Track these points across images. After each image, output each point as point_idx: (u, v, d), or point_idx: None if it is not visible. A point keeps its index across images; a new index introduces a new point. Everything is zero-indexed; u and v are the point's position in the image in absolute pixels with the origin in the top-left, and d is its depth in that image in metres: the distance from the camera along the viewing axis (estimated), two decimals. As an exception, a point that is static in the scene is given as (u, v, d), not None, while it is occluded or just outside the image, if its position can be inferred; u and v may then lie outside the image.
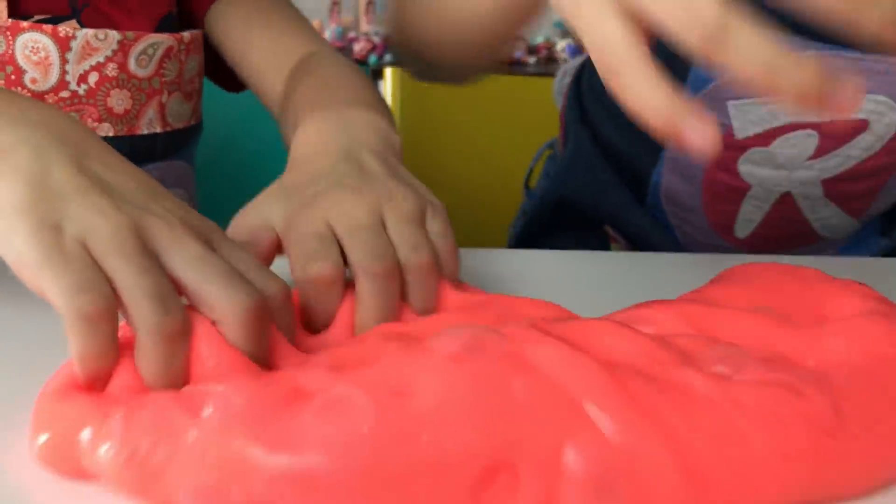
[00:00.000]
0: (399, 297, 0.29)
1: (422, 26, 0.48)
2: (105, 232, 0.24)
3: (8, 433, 0.25)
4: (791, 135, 0.49)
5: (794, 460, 0.21)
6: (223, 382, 0.23)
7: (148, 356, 0.23)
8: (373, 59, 1.62)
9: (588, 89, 0.59)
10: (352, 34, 1.91)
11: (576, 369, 0.22)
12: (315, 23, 1.99)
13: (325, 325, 0.29)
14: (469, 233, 0.69)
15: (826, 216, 0.53)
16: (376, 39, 1.73)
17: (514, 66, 1.53)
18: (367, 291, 0.28)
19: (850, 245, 0.56)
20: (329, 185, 0.31)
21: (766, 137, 0.50)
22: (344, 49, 1.78)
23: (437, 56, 0.49)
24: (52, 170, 0.25)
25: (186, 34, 0.53)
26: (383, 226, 0.30)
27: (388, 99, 0.80)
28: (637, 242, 0.57)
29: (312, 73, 0.49)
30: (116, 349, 0.24)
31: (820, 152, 0.50)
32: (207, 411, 0.22)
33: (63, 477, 0.23)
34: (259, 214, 0.31)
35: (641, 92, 0.22)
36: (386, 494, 0.21)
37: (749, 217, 0.53)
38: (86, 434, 0.22)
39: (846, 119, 0.49)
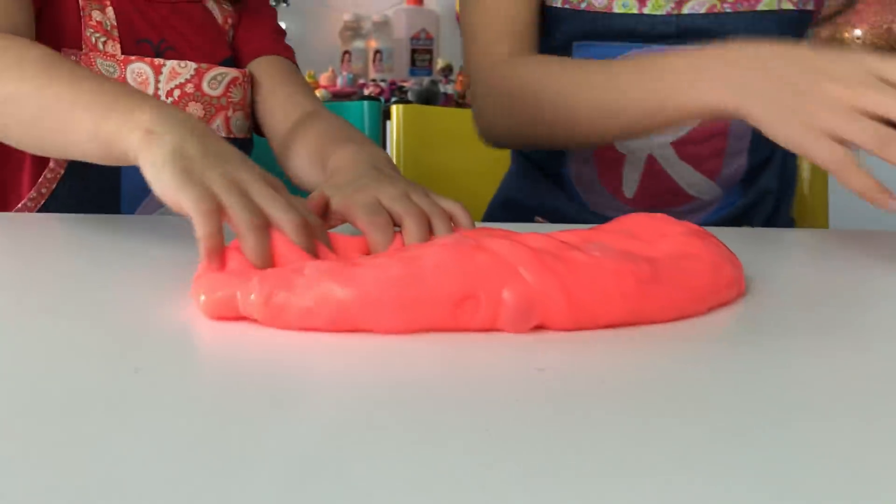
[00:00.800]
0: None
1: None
2: (215, 176, 0.42)
3: (179, 300, 0.42)
4: None
5: (626, 296, 0.38)
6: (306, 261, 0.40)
7: (248, 243, 0.41)
8: (382, 100, 1.84)
9: None
10: (361, 80, 2.12)
11: (514, 250, 0.39)
12: (329, 70, 2.20)
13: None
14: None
15: (685, 174, 0.72)
16: (383, 85, 1.94)
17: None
18: (410, 224, 0.46)
19: (722, 206, 0.75)
20: (369, 180, 0.50)
21: None
22: (356, 92, 1.98)
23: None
24: (186, 144, 0.43)
25: (246, 69, 0.77)
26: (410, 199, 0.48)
27: (395, 132, 0.98)
28: (559, 216, 0.78)
29: (318, 122, 0.69)
30: (222, 234, 0.41)
31: None
32: (307, 271, 0.39)
33: (221, 321, 0.40)
34: (322, 196, 0.49)
35: (863, 182, 0.43)
36: (407, 313, 0.37)
37: (631, 178, 0.73)
38: (239, 291, 0.40)
39: None
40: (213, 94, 0.73)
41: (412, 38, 2.25)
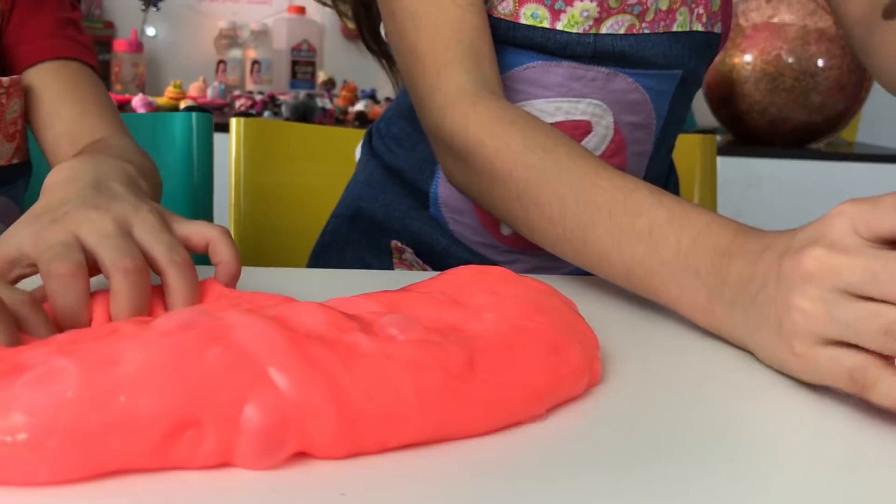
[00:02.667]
0: (158, 295, 0.33)
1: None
2: None
3: None
4: None
5: (430, 399, 0.26)
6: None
7: None
8: (251, 113, 1.68)
9: (381, 134, 0.68)
10: (237, 92, 1.95)
11: (264, 340, 0.26)
12: (200, 80, 2.03)
13: (80, 325, 0.31)
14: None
15: None
16: (258, 97, 1.78)
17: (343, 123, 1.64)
18: (118, 286, 0.32)
19: None
20: (78, 205, 0.34)
21: None
22: (227, 105, 1.82)
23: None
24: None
25: (6, 79, 0.56)
26: (131, 235, 0.34)
27: (233, 148, 0.84)
28: (421, 245, 0.64)
29: (97, 146, 0.53)
30: None
31: None
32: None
33: None
34: (10, 241, 0.34)
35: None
36: (85, 452, 0.24)
37: None
38: None
39: (574, 120, 0.59)
40: None
41: (293, 49, 2.11)
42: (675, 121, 0.65)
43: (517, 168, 0.47)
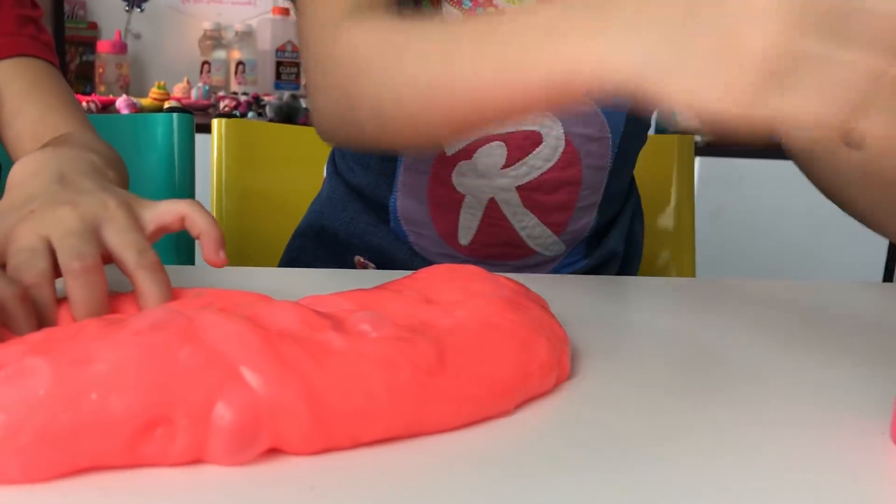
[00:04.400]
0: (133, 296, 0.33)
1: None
2: None
3: None
4: (487, 146, 0.59)
5: (400, 395, 0.27)
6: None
7: None
8: (235, 114, 1.68)
9: (342, 153, 0.69)
10: (221, 93, 1.95)
11: (236, 338, 0.27)
12: (184, 81, 2.02)
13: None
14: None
15: (529, 225, 0.62)
16: (242, 98, 1.78)
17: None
18: (70, 288, 0.32)
19: (563, 265, 0.66)
20: (44, 202, 0.34)
21: (468, 151, 0.59)
22: (211, 106, 1.81)
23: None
24: None
25: None
26: (98, 233, 0.33)
27: (215, 149, 0.84)
28: (383, 258, 0.65)
29: (60, 139, 0.52)
30: None
31: (510, 161, 0.59)
32: None
33: None
34: None
35: None
36: (57, 451, 0.24)
37: (467, 224, 0.62)
38: None
39: (524, 130, 0.58)
40: None
41: (278, 50, 2.10)
42: (635, 136, 0.64)
43: (400, 42, 0.41)
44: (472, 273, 0.35)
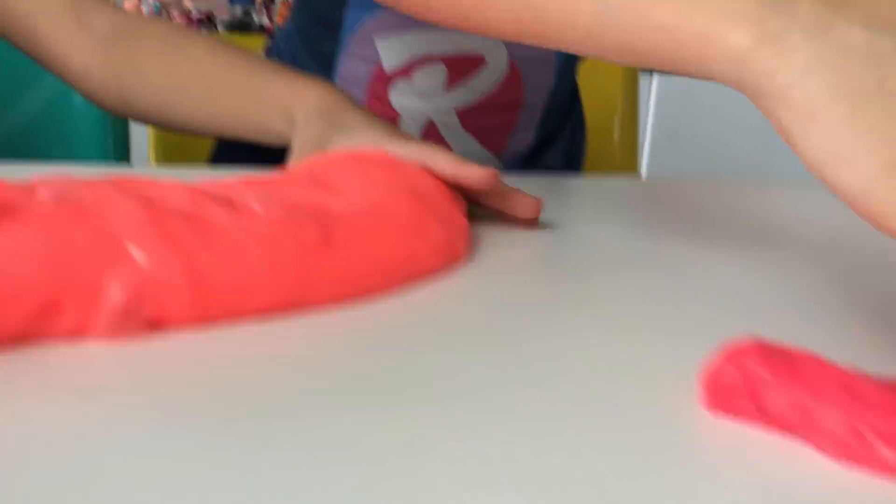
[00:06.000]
0: None
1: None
2: None
3: None
4: (427, 67, 0.58)
5: (282, 272, 0.27)
6: None
7: None
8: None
9: (279, 52, 0.66)
10: (174, 10, 1.88)
11: (122, 215, 0.26)
12: (134, -5, 1.94)
13: None
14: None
15: (466, 147, 0.62)
16: (195, 15, 1.72)
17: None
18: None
19: None
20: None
21: (407, 69, 0.58)
22: (160, 22, 1.76)
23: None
24: None
25: None
26: None
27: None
28: None
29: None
30: None
31: (450, 83, 0.58)
32: None
33: None
34: None
35: None
36: None
37: None
38: None
39: (466, 53, 0.57)
40: None
41: (233, -36, 2.03)
42: (580, 56, 0.63)
43: None
44: (375, 160, 0.35)
